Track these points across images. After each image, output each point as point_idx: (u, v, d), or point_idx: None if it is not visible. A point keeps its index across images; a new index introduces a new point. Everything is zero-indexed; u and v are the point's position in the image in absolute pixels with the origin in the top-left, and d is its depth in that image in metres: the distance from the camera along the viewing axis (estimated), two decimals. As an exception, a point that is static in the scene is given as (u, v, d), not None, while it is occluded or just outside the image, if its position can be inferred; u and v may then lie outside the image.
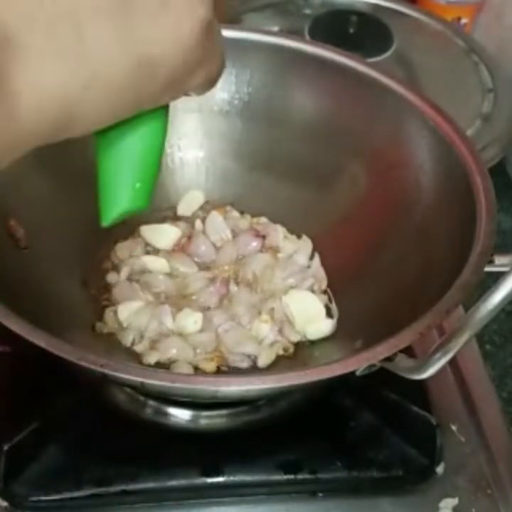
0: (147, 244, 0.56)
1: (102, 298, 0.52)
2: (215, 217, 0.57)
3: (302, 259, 0.56)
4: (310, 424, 0.50)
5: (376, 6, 0.83)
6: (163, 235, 0.56)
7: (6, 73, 0.22)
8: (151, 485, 0.46)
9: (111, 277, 0.53)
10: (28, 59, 0.23)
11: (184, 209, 0.58)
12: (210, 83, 0.31)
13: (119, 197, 0.31)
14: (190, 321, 0.50)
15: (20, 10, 0.23)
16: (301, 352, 0.51)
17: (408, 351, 0.40)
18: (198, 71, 0.29)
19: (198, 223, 0.57)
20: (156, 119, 0.32)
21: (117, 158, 0.31)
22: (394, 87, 0.53)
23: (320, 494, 0.48)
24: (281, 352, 0.51)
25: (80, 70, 0.24)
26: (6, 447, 0.46)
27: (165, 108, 0.32)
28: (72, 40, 0.24)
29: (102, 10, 0.25)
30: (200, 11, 0.27)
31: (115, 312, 0.51)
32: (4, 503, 0.45)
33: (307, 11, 0.82)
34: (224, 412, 0.49)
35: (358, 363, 0.39)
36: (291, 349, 0.51)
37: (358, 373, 0.40)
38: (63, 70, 0.24)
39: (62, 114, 0.25)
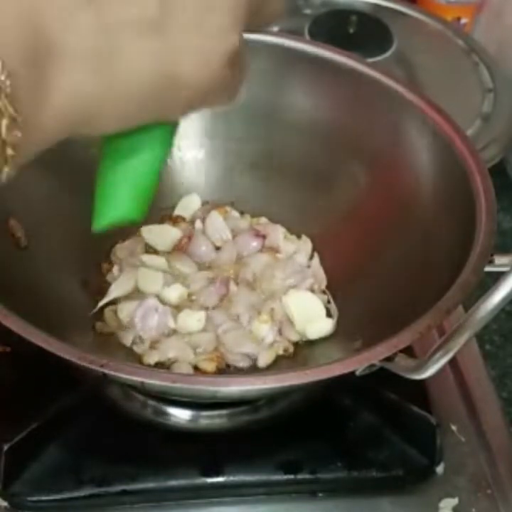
0: (147, 244, 0.56)
1: (102, 298, 0.52)
2: (215, 217, 0.57)
3: (302, 259, 0.56)
4: (310, 424, 0.50)
5: (376, 6, 0.83)
6: (164, 235, 0.56)
7: (44, 72, 0.23)
8: (151, 485, 0.46)
9: (111, 277, 0.53)
10: (64, 61, 0.24)
11: (181, 211, 0.58)
12: (229, 103, 0.32)
13: (115, 205, 0.31)
14: (193, 319, 0.50)
15: (64, 16, 0.24)
16: (301, 352, 0.51)
17: (408, 351, 0.40)
18: (221, 94, 0.30)
19: (198, 223, 0.57)
20: (164, 135, 0.32)
21: (121, 166, 0.31)
22: (394, 87, 0.53)
23: (320, 494, 0.48)
24: (281, 352, 0.51)
25: (108, 72, 0.25)
26: (6, 447, 0.45)
27: (174, 125, 0.33)
28: (106, 49, 0.25)
29: (141, 24, 0.25)
30: (232, 39, 0.28)
31: (115, 311, 0.51)
32: (4, 503, 0.45)
33: (307, 11, 0.82)
34: (224, 412, 0.49)
35: (358, 363, 0.39)
36: (291, 349, 0.51)
37: (357, 373, 0.40)
38: (92, 71, 0.25)
39: (85, 111, 0.25)
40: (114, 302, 0.52)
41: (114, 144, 0.31)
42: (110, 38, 0.25)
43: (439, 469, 0.49)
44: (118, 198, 0.31)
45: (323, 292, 0.54)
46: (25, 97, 0.22)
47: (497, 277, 0.36)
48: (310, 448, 0.49)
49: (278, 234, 0.57)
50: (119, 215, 0.31)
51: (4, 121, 0.22)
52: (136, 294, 0.52)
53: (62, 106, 0.24)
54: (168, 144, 0.33)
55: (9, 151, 0.23)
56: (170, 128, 0.32)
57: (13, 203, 0.48)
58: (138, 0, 0.25)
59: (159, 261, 0.54)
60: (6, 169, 0.24)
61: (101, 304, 0.51)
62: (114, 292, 0.51)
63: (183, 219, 0.58)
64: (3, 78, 0.21)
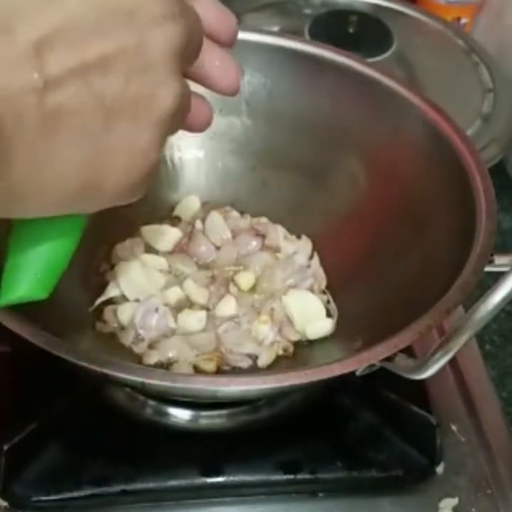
0: (147, 244, 0.56)
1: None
2: (215, 217, 0.57)
3: (302, 259, 0.56)
4: (310, 424, 0.50)
5: (376, 6, 0.83)
6: (163, 236, 0.56)
7: None
8: (151, 485, 0.46)
9: (110, 277, 0.53)
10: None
11: (181, 212, 0.58)
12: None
13: (19, 286, 0.32)
14: (193, 319, 0.50)
15: (17, 110, 0.25)
16: (301, 352, 0.51)
17: (408, 351, 0.40)
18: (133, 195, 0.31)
19: (198, 223, 0.57)
20: (74, 224, 0.32)
21: (29, 242, 0.32)
22: (394, 87, 0.53)
23: (320, 494, 0.48)
24: (281, 352, 0.51)
25: (37, 169, 0.26)
26: (6, 447, 0.46)
27: (86, 216, 0.33)
28: (42, 150, 0.26)
29: (80, 134, 0.27)
30: (153, 156, 0.29)
31: (115, 311, 0.51)
32: (4, 503, 0.45)
33: (307, 11, 0.82)
34: (224, 412, 0.49)
35: (358, 363, 0.39)
36: (291, 349, 0.51)
37: (358, 373, 0.40)
38: (26, 163, 0.26)
39: (8, 195, 0.27)
40: (114, 302, 0.52)
41: (23, 227, 0.32)
42: (49, 141, 0.26)
43: (439, 469, 0.49)
44: (22, 280, 0.32)
45: (323, 292, 0.54)
46: None
47: (497, 277, 0.36)
48: (310, 448, 0.49)
49: (278, 234, 0.57)
50: (22, 296, 0.32)
51: None
52: (136, 294, 0.52)
53: None
54: (78, 232, 0.33)
55: None
56: (80, 218, 0.33)
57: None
58: (85, 110, 0.26)
59: (159, 261, 0.54)
60: None
61: (98, 301, 0.51)
62: (112, 291, 0.52)
63: (183, 219, 0.58)
64: None
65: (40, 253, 0.32)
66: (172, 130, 0.31)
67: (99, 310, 0.51)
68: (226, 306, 0.52)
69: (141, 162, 0.29)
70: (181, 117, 0.31)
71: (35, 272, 0.32)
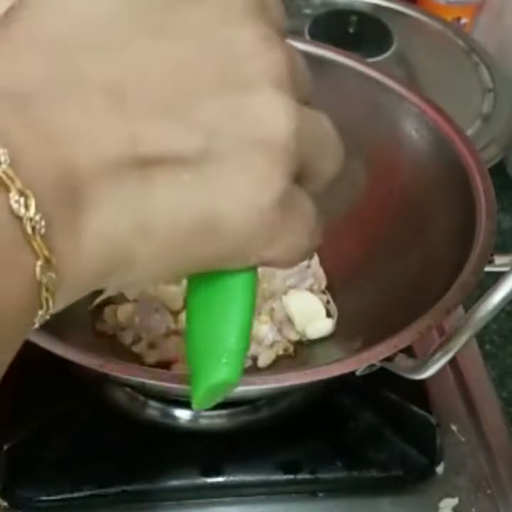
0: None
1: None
2: (215, 217, 0.57)
3: (302, 259, 0.56)
4: (310, 424, 0.50)
5: (376, 6, 0.83)
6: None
7: (76, 213, 0.22)
8: (151, 485, 0.46)
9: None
10: (95, 202, 0.22)
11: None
12: (293, 258, 0.28)
13: (208, 370, 0.28)
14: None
15: (92, 159, 0.22)
16: (301, 352, 0.51)
17: (408, 351, 0.40)
18: (273, 245, 0.26)
19: (198, 223, 0.57)
20: (240, 280, 0.28)
21: (209, 320, 0.28)
22: (394, 87, 0.53)
23: (320, 494, 0.48)
24: (281, 352, 0.51)
25: (141, 222, 0.23)
26: (6, 447, 0.46)
27: (252, 270, 0.28)
28: (136, 191, 0.23)
29: (178, 163, 0.23)
30: (281, 183, 0.25)
31: (115, 311, 0.51)
32: (4, 503, 0.45)
33: (307, 11, 0.82)
34: (224, 412, 0.49)
35: (358, 363, 0.39)
36: (291, 349, 0.51)
37: (358, 373, 0.40)
38: (125, 221, 0.23)
39: (121, 257, 0.23)
40: (114, 302, 0.52)
41: (196, 293, 0.28)
42: (142, 178, 0.23)
43: (439, 469, 0.49)
44: (211, 365, 0.28)
45: (323, 292, 0.54)
46: (59, 238, 0.21)
47: (497, 277, 0.36)
48: (310, 448, 0.49)
49: (278, 234, 0.56)
50: (218, 380, 0.28)
51: (39, 262, 0.21)
52: (136, 294, 0.52)
53: (97, 250, 0.23)
54: (246, 289, 0.28)
55: (44, 294, 0.22)
56: (244, 277, 0.28)
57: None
58: (180, 136, 0.23)
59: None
60: (40, 312, 0.22)
61: (97, 301, 0.51)
62: (111, 290, 0.52)
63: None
64: (38, 218, 0.21)
65: (222, 334, 0.28)
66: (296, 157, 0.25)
67: (99, 310, 0.51)
68: None
69: (263, 188, 0.24)
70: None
71: (221, 356, 0.28)
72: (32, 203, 0.20)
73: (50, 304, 0.22)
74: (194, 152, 0.23)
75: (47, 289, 0.22)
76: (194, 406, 0.29)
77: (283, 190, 0.25)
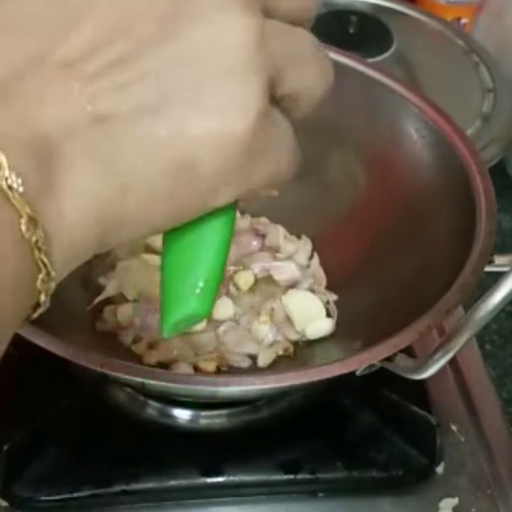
0: (147, 244, 0.56)
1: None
2: (215, 217, 0.57)
3: (302, 259, 0.56)
4: (310, 424, 0.50)
5: (376, 6, 0.83)
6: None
7: (52, 176, 0.23)
8: (151, 485, 0.46)
9: (111, 276, 0.53)
10: (68, 164, 0.23)
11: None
12: (278, 181, 0.28)
13: (180, 300, 0.28)
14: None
15: (58, 119, 0.23)
16: (301, 352, 0.51)
17: (408, 351, 0.40)
18: (256, 170, 0.25)
19: (198, 223, 0.57)
20: (219, 217, 0.28)
21: (182, 260, 0.29)
22: (394, 87, 0.53)
23: (320, 494, 0.48)
24: (281, 352, 0.51)
25: (117, 176, 0.23)
26: (6, 447, 0.46)
27: (230, 208, 0.28)
28: (106, 147, 0.23)
29: (138, 112, 0.23)
30: (257, 103, 0.24)
31: (114, 311, 0.51)
32: (4, 503, 0.45)
33: (307, 11, 0.82)
34: (224, 412, 0.49)
35: (358, 363, 0.39)
36: (291, 349, 0.51)
37: (358, 373, 0.40)
38: (100, 177, 0.23)
39: (107, 218, 0.24)
40: (113, 302, 0.52)
41: (172, 240, 0.29)
42: (107, 134, 0.23)
43: (439, 469, 0.49)
44: (182, 298, 0.28)
45: (323, 292, 0.54)
46: (39, 196, 0.22)
47: (497, 277, 0.36)
48: (310, 448, 0.49)
49: (278, 234, 0.57)
50: (185, 314, 0.28)
51: (23, 220, 0.21)
52: (136, 293, 0.52)
53: (80, 208, 0.23)
54: (226, 225, 0.28)
55: (37, 254, 0.22)
56: (223, 215, 0.28)
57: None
58: (133, 88, 0.23)
59: (159, 260, 0.54)
60: (40, 276, 0.23)
61: (96, 300, 0.51)
62: (110, 290, 0.52)
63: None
64: (14, 177, 0.21)
65: (192, 261, 0.28)
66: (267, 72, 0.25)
67: (99, 310, 0.51)
68: (223, 308, 0.51)
69: (243, 109, 0.23)
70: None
71: (192, 283, 0.28)
72: (3, 159, 0.21)
73: (49, 266, 0.23)
74: (150, 100, 0.23)
75: (39, 250, 0.22)
76: (162, 334, 0.29)
77: (256, 111, 0.24)
